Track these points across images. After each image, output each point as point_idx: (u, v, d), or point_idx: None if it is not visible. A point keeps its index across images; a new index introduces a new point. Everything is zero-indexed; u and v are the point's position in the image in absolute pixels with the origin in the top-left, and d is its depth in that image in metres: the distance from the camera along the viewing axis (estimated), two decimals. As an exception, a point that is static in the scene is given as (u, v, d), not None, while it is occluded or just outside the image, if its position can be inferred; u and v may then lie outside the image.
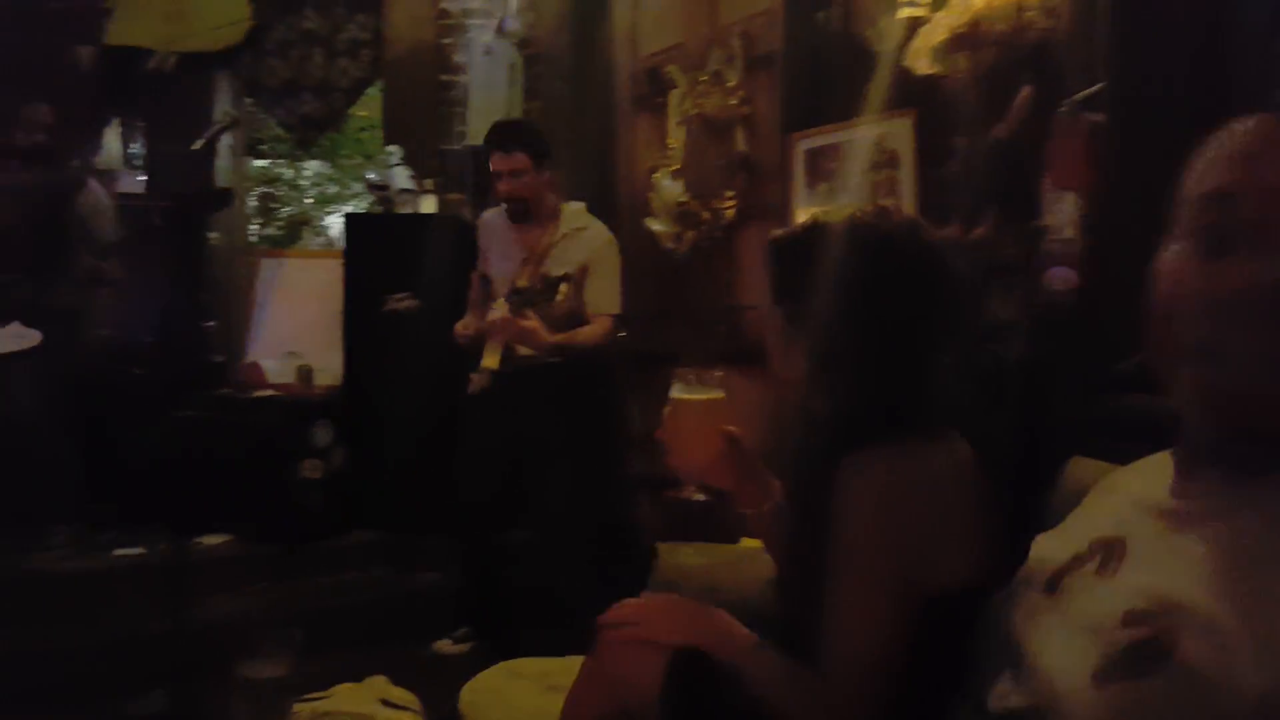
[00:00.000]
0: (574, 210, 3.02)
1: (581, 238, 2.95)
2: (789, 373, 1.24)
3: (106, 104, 4.08)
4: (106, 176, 3.82)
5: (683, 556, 1.60)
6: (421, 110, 4.06)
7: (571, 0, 3.84)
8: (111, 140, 4.10)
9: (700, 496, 2.85)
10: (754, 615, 1.31)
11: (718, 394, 1.31)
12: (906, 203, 2.37)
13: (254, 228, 4.64)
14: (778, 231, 1.33)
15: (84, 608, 2.92)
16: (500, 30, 3.93)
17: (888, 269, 1.15)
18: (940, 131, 2.24)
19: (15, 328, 3.11)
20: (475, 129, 3.91)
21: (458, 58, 3.99)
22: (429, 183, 3.91)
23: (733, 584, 1.49)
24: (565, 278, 2.71)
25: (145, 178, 4.14)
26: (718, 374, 1.32)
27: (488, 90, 3.94)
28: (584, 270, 2.89)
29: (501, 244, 3.04)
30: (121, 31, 4.04)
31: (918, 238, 1.18)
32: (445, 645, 3.07)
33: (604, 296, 2.92)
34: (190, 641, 2.66)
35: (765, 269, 1.28)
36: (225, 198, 3.39)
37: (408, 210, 3.86)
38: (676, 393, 1.31)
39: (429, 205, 3.90)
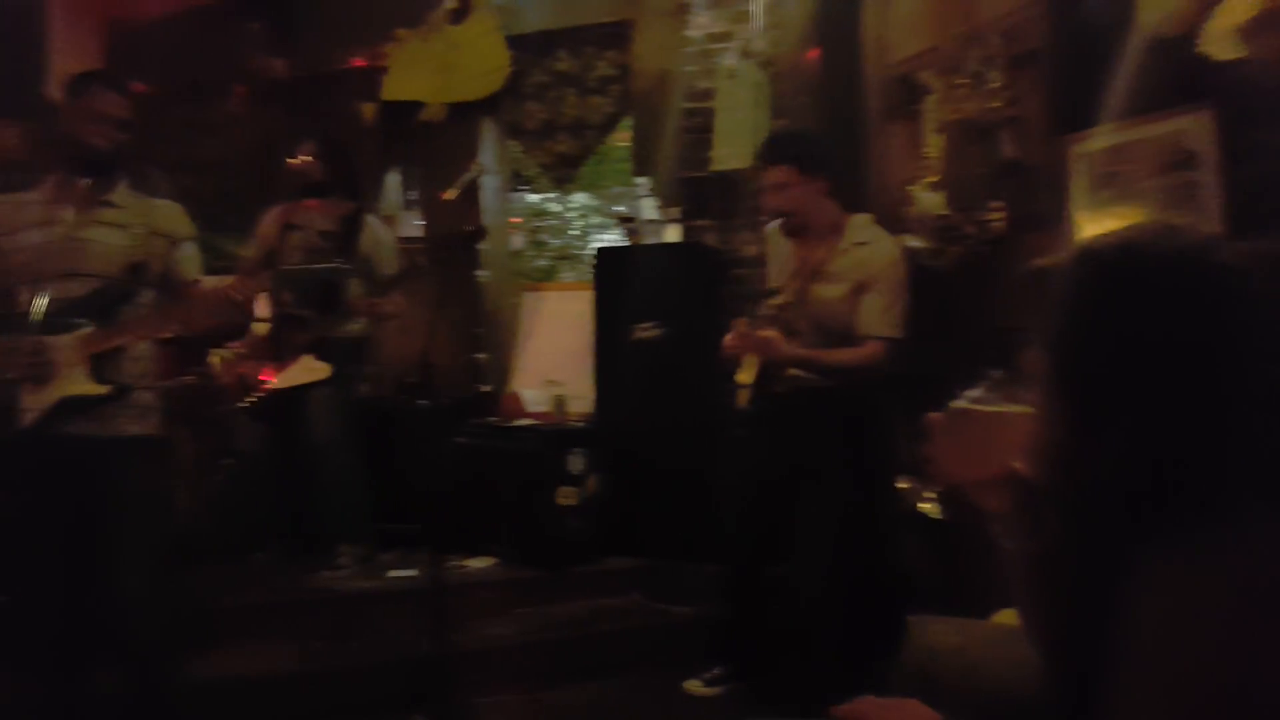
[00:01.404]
0: (859, 223, 2.83)
1: (863, 253, 2.76)
2: (1050, 429, 1.03)
3: (386, 153, 4.46)
4: (386, 220, 4.16)
5: (936, 635, 1.41)
6: (667, 140, 4.08)
7: (817, 14, 3.70)
8: (392, 187, 4.47)
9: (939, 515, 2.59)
10: (1016, 705, 1.14)
11: (1011, 408, 1.15)
12: (1209, 210, 2.01)
13: (527, 263, 4.87)
14: (1041, 261, 1.13)
15: (360, 628, 3.14)
16: (745, 52, 3.87)
17: (1176, 304, 0.90)
18: (1247, 126, 1.88)
19: (308, 360, 3.42)
20: (721, 154, 3.87)
21: (702, 84, 3.97)
22: (674, 211, 3.91)
23: (992, 667, 1.29)
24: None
25: (422, 221, 4.47)
26: (1008, 386, 1.17)
27: (733, 113, 3.88)
28: (861, 288, 2.72)
29: (781, 259, 2.93)
30: (397, 87, 4.41)
31: (1215, 262, 0.92)
32: (696, 686, 2.99)
33: (879, 317, 2.70)
34: (451, 663, 2.77)
35: (1029, 303, 1.09)
36: (476, 236, 3.56)
37: (653, 240, 3.88)
38: (963, 403, 1.17)
39: (674, 234, 3.89)
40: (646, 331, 3.63)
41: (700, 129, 3.95)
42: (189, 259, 2.40)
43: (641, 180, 4.21)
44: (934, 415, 1.20)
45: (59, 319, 2.18)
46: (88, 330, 2.19)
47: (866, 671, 2.52)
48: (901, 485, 2.97)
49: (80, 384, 2.17)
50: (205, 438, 3.70)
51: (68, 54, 4.07)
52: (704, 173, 3.92)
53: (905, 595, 2.67)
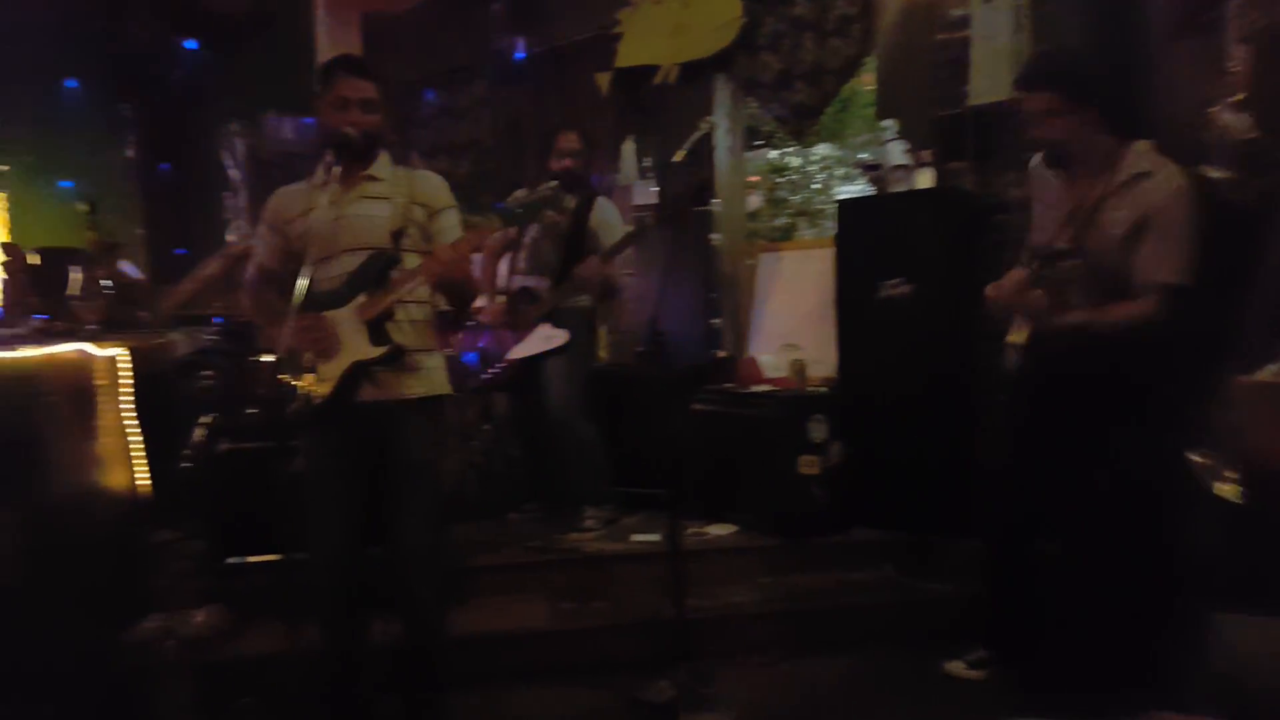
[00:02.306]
0: (1139, 152, 2.46)
1: (1143, 186, 2.39)
2: None
3: (621, 122, 4.47)
4: (623, 190, 4.18)
5: (1246, 639, 1.16)
6: (916, 78, 3.76)
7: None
8: (627, 155, 4.48)
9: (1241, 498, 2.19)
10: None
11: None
12: None
13: (765, 222, 4.73)
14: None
15: (604, 589, 3.20)
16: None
17: None
18: None
19: (546, 329, 3.53)
20: (978, 87, 3.51)
21: (955, 11, 3.61)
22: (925, 155, 3.60)
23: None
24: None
25: (657, 188, 4.44)
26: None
27: (990, 41, 3.50)
28: (1141, 227, 2.36)
29: (1047, 197, 2.61)
30: (631, 53, 4.39)
31: None
32: (958, 668, 2.78)
33: (1159, 262, 2.35)
34: (692, 628, 2.75)
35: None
36: (705, 196, 3.47)
37: (902, 188, 3.60)
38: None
39: (925, 180, 3.59)
40: (894, 289, 3.39)
41: (954, 62, 3.60)
42: (451, 228, 2.45)
43: (888, 124, 3.92)
44: (1240, 381, 0.97)
45: (338, 292, 2.33)
46: (362, 299, 2.32)
47: (1150, 671, 2.22)
48: (1194, 461, 2.57)
49: (362, 349, 2.31)
50: (465, 405, 3.92)
51: (331, 49, 4.41)
52: (959, 109, 3.58)
53: (1199, 589, 2.31)
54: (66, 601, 2.58)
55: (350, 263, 2.35)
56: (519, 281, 3.65)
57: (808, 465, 3.40)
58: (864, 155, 3.83)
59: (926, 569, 3.26)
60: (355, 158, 2.38)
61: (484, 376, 3.66)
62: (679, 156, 3.17)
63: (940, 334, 3.32)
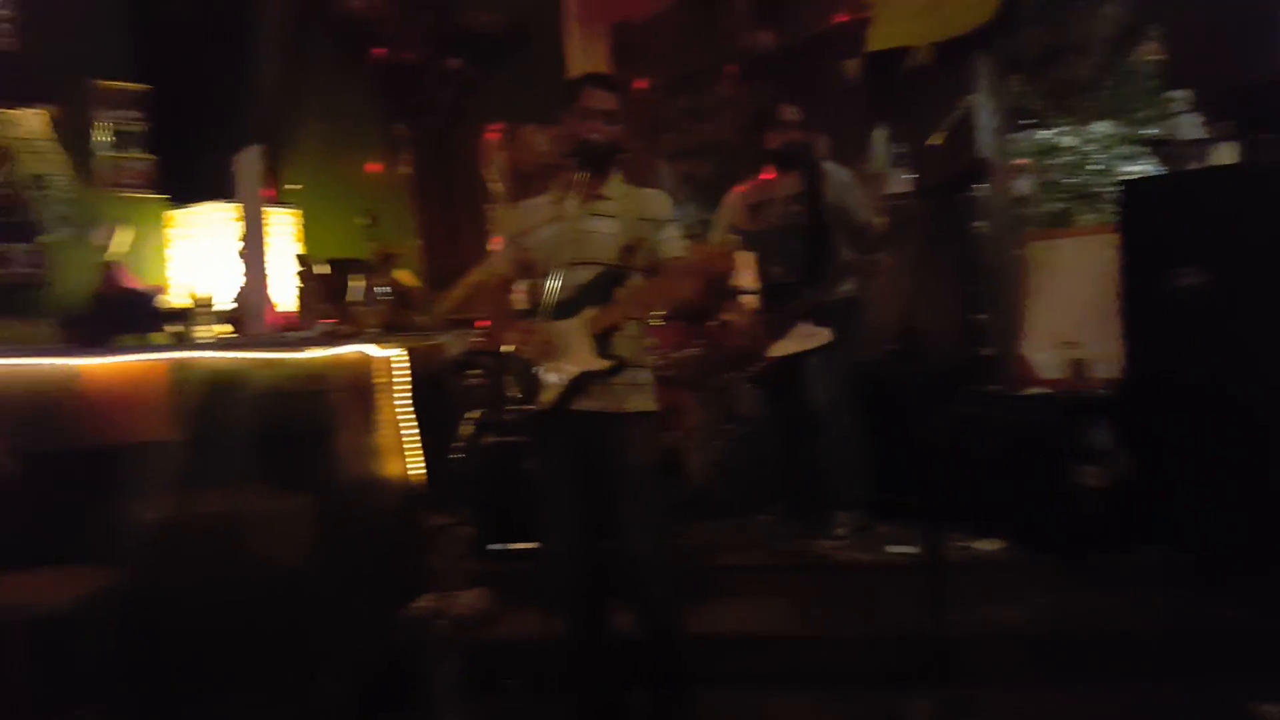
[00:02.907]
0: None
1: None
2: None
3: (871, 108, 4.28)
4: (876, 179, 3.99)
5: None
6: (1210, 40, 3.30)
7: None
8: (878, 143, 4.28)
9: None
10: None
11: None
12: None
13: (1036, 208, 4.37)
14: None
15: (856, 598, 3.06)
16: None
17: None
18: None
19: (805, 327, 3.42)
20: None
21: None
22: (1225, 127, 3.16)
23: None
24: None
25: (912, 175, 4.21)
26: None
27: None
28: None
29: None
30: (883, 36, 4.19)
31: None
32: (1274, 713, 2.41)
33: None
34: (951, 647, 2.57)
35: None
36: (971, 180, 3.21)
37: (1197, 165, 3.17)
38: None
39: (1225, 155, 3.15)
40: (1189, 278, 3.00)
41: (1258, 20, 3.13)
42: (671, 240, 2.50)
43: (1177, 95, 3.48)
44: None
45: (567, 304, 2.42)
46: (591, 313, 2.39)
47: None
48: None
49: (587, 361, 2.38)
50: (711, 404, 3.91)
51: (582, 60, 4.57)
52: (1264, 74, 3.11)
53: None
54: (352, 579, 2.85)
55: (581, 276, 2.43)
56: (771, 278, 3.57)
57: (1088, 476, 3.08)
58: (1151, 131, 3.41)
59: (1223, 594, 2.85)
60: (596, 167, 2.46)
61: (740, 375, 3.62)
62: (936, 140, 2.97)
63: (1243, 331, 2.90)
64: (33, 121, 4.17)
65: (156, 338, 3.03)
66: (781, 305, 3.49)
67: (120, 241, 4.00)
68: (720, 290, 2.56)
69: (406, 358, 3.26)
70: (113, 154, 4.47)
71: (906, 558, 3.15)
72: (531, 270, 2.50)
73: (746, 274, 3.62)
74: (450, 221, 5.11)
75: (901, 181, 4.22)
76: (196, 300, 3.06)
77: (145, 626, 2.30)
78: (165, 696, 2.45)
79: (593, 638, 2.51)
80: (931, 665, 2.55)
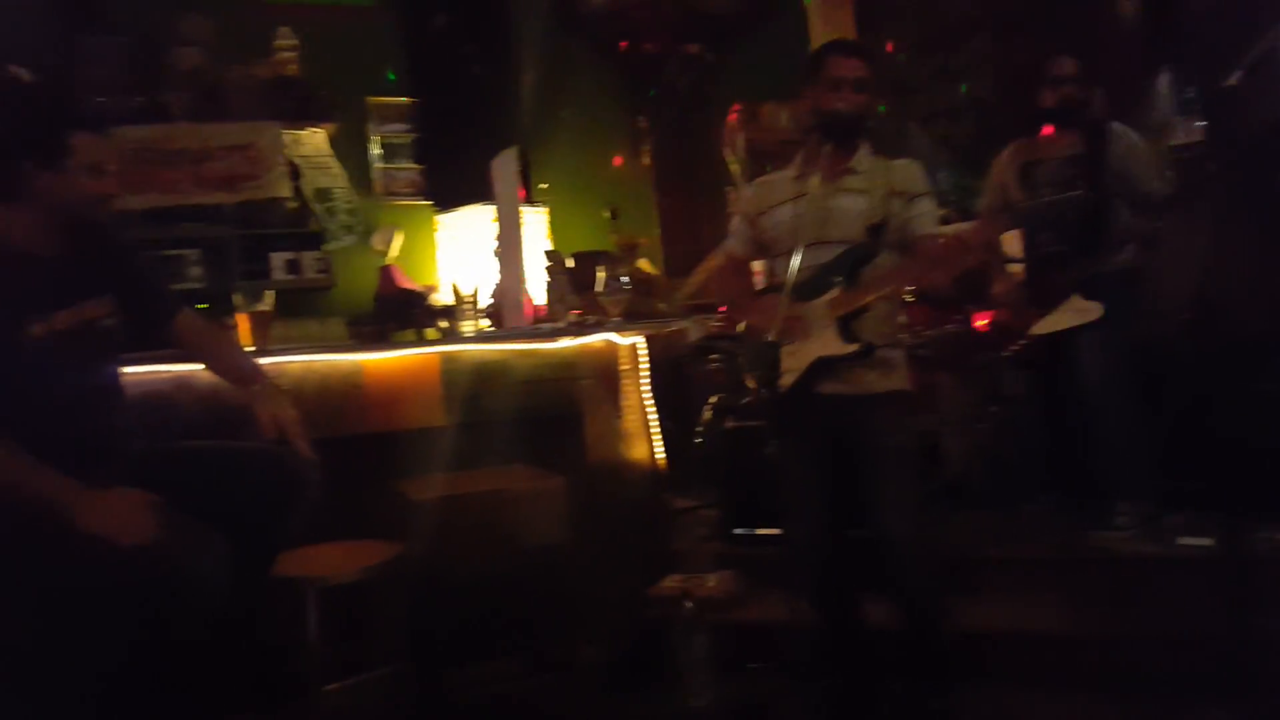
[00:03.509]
0: None
1: None
2: None
3: (1152, 50, 3.81)
4: (1159, 128, 3.56)
5: None
6: None
7: None
8: (1162, 88, 3.81)
9: None
10: None
11: None
12: None
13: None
14: None
15: (1139, 595, 2.76)
16: None
17: None
18: None
19: (1076, 301, 3.10)
20: None
21: None
22: None
23: None
24: None
25: (1203, 123, 3.71)
26: None
27: None
28: None
29: None
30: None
31: None
32: None
33: None
34: (1258, 652, 2.26)
35: None
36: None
37: None
38: None
39: None
40: None
41: None
42: (924, 215, 2.35)
43: None
44: None
45: (810, 284, 2.33)
46: (835, 293, 2.30)
47: None
48: None
49: (831, 344, 2.29)
50: (970, 385, 3.67)
51: (825, 31, 4.42)
52: None
53: None
54: (603, 557, 2.94)
55: (823, 255, 2.32)
56: (1039, 246, 3.27)
57: None
58: None
59: None
60: (844, 139, 2.35)
61: (1002, 353, 3.36)
62: (1234, 81, 2.56)
63: None
64: (315, 140, 4.66)
65: (428, 333, 3.28)
66: (1050, 276, 3.19)
67: (395, 246, 4.37)
68: (982, 262, 2.37)
69: (648, 345, 3.32)
70: (385, 165, 4.90)
71: (1201, 551, 2.79)
72: (770, 250, 2.44)
73: (1011, 242, 3.35)
74: (691, 208, 5.15)
75: (1191, 132, 3.73)
76: (461, 297, 3.27)
77: (423, 596, 2.50)
78: (443, 662, 2.66)
79: (841, 625, 2.43)
80: (1229, 672, 2.26)
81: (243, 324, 2.86)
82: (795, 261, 2.32)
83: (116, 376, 2.30)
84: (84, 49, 4.28)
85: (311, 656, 2.28)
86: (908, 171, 2.40)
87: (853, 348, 2.27)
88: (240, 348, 2.63)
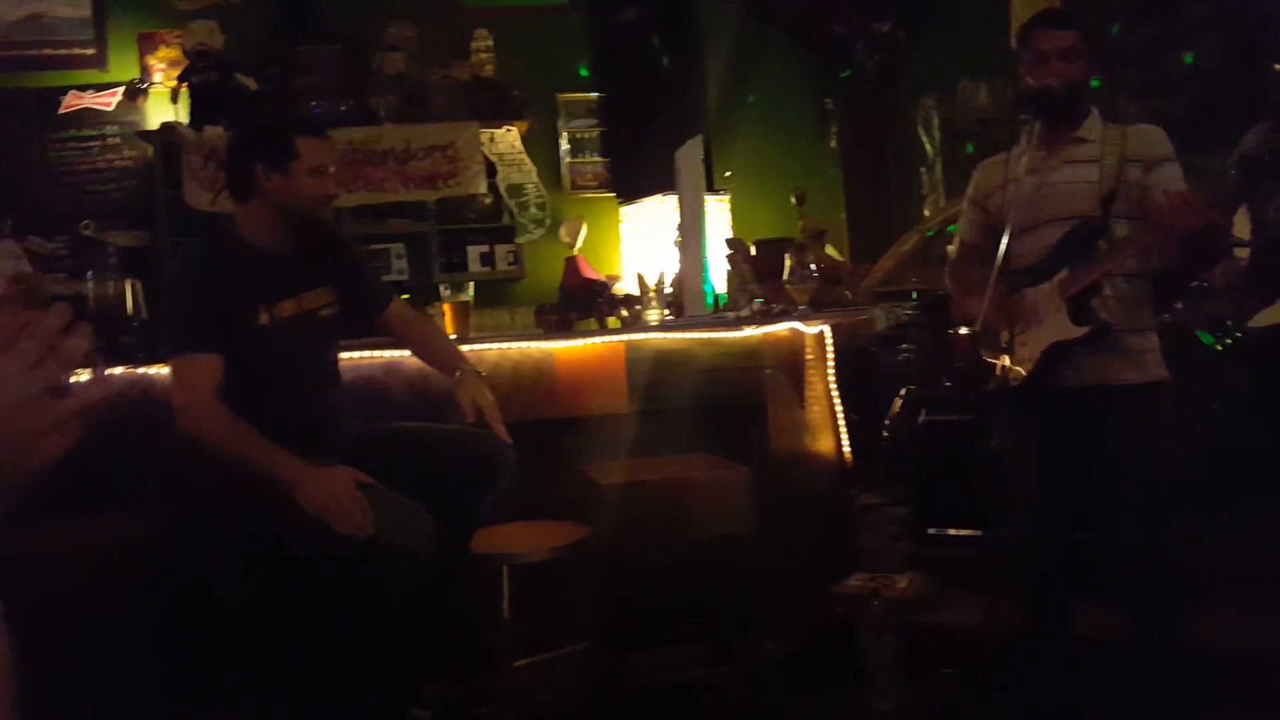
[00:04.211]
0: None
1: None
2: None
3: None
4: None
5: None
6: None
7: None
8: None
9: None
10: None
11: None
12: None
13: None
14: None
15: None
16: None
17: None
18: None
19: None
20: None
21: None
22: None
23: None
24: None
25: None
26: None
27: None
28: None
29: None
30: None
31: None
32: None
33: None
34: None
35: None
36: None
37: None
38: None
39: None
40: None
41: None
42: (1167, 182, 2.13)
43: None
44: None
45: (1038, 267, 2.20)
46: (1064, 274, 2.15)
47: None
48: None
49: (1063, 328, 2.14)
50: (1190, 379, 3.37)
51: (1026, 3, 4.17)
52: None
53: None
54: (787, 550, 2.91)
55: (1053, 234, 2.18)
56: (1271, 227, 2.96)
57: None
58: None
59: None
60: (1059, 115, 2.21)
61: (1218, 345, 3.08)
62: None
63: None
64: (509, 137, 4.84)
65: (610, 321, 3.35)
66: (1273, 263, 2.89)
67: (580, 238, 4.49)
68: (1207, 243, 2.14)
69: (834, 333, 3.24)
70: (573, 159, 5.03)
71: None
72: (1000, 233, 2.31)
73: (1239, 222, 3.05)
74: (879, 192, 4.99)
75: None
76: (646, 287, 3.31)
77: (608, 579, 2.55)
78: (625, 645, 2.71)
79: (1051, 633, 2.28)
80: None
81: (446, 313, 3.01)
82: (1023, 243, 2.19)
83: (335, 361, 2.49)
84: (301, 58, 4.64)
85: (503, 631, 2.37)
86: (1146, 136, 2.21)
87: (1084, 330, 2.11)
88: (445, 336, 2.77)
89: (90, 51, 4.80)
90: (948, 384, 3.41)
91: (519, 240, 4.82)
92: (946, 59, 4.82)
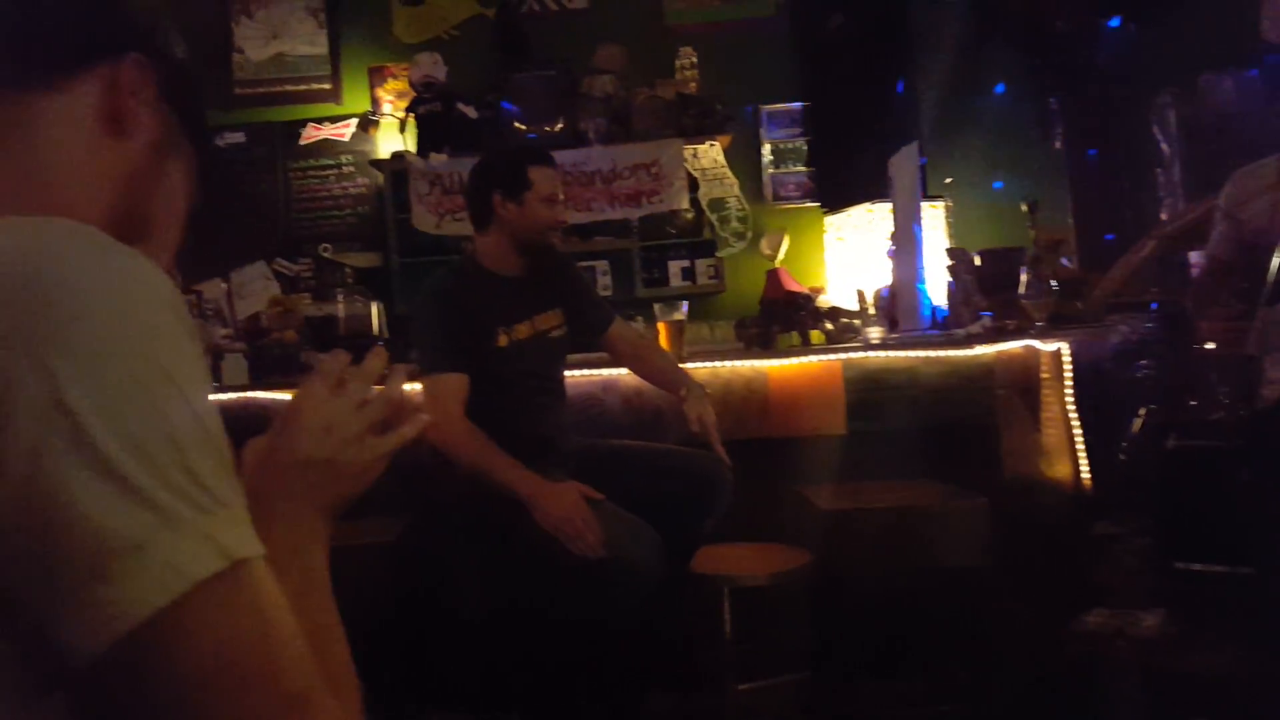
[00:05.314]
0: None
1: None
2: None
3: None
4: None
5: None
6: None
7: None
8: None
9: None
10: None
11: None
12: None
13: None
14: None
15: None
16: None
17: None
18: None
19: None
20: None
21: None
22: None
23: None
24: None
25: None
26: None
27: None
28: None
29: None
30: None
31: None
32: None
33: None
34: None
35: None
36: None
37: None
38: None
39: None
40: None
41: None
42: None
43: None
44: None
45: None
46: None
47: None
48: None
49: None
50: None
51: None
52: None
53: None
54: (1021, 583, 2.73)
55: None
56: None
57: None
58: None
59: None
60: None
61: None
62: None
63: None
64: (712, 152, 4.86)
65: (815, 336, 3.28)
66: None
67: (781, 250, 4.44)
68: None
69: (1071, 350, 3.03)
70: (775, 170, 4.99)
71: None
72: (1250, 250, 2.11)
73: None
74: (1109, 196, 4.65)
75: None
76: (865, 303, 3.22)
77: (828, 605, 2.48)
78: (845, 676, 2.63)
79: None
80: None
81: (661, 332, 3.05)
82: (1277, 260, 1.98)
83: (562, 379, 2.57)
84: (515, 85, 4.84)
85: (724, 653, 2.36)
86: None
87: None
88: (665, 354, 2.81)
89: (327, 86, 5.20)
90: (1194, 403, 3.12)
91: (720, 254, 4.82)
92: (1184, 51, 4.43)
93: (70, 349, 0.55)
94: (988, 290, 3.10)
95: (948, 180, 4.40)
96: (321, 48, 5.19)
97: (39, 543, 0.54)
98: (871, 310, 3.19)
